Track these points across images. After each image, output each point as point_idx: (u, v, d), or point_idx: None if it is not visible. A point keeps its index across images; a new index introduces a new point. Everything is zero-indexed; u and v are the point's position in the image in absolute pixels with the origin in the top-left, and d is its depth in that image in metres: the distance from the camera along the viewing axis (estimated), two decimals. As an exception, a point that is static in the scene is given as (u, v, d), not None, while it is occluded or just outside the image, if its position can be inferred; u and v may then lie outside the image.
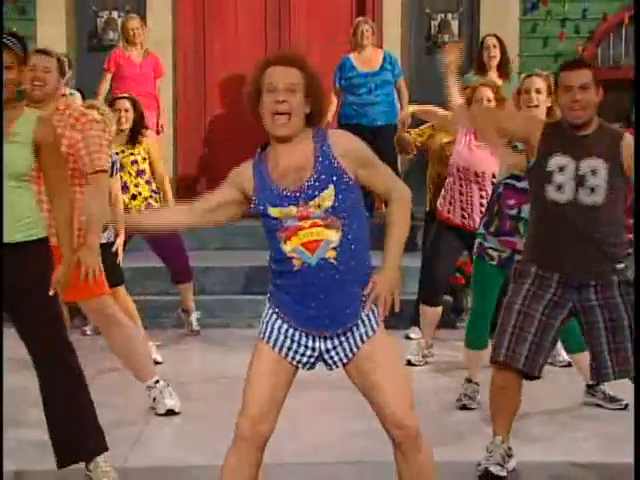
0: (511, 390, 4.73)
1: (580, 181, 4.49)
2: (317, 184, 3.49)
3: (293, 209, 3.50)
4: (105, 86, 9.34)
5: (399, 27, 10.53)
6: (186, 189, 10.66)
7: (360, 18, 9.88)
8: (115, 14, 10.50)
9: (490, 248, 5.73)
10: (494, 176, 6.20)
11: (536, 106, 5.62)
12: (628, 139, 4.58)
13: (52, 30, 9.83)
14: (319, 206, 3.49)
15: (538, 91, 5.64)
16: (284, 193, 3.51)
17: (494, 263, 5.74)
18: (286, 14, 10.71)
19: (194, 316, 7.97)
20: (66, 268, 4.60)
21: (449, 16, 10.54)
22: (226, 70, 10.54)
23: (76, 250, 5.12)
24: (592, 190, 4.50)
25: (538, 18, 10.56)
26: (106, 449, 4.67)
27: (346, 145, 3.58)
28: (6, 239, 4.44)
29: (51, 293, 4.52)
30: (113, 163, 6.60)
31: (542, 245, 4.62)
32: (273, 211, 3.53)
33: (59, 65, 5.43)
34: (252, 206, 3.59)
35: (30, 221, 4.55)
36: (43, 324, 4.56)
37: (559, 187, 4.51)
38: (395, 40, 10.36)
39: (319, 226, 3.50)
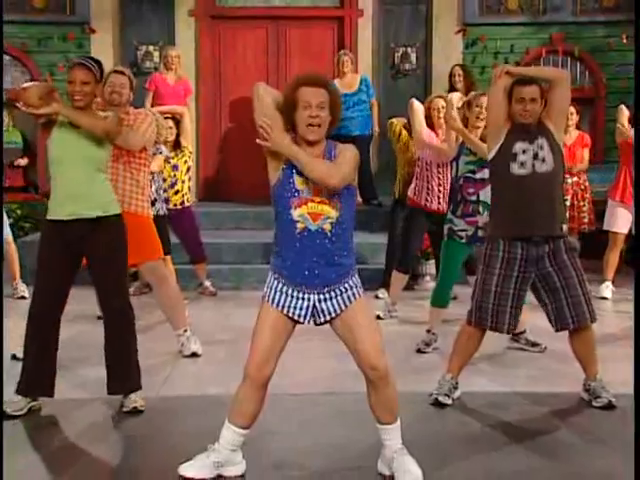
0: (475, 340, 4.76)
1: (535, 156, 4.52)
2: None
3: (311, 184, 3.50)
4: (149, 100, 9.27)
5: (370, 58, 10.47)
6: (206, 187, 10.65)
7: (341, 51, 9.81)
8: (151, 48, 10.42)
9: (459, 230, 5.71)
10: (439, 166, 6.42)
11: (483, 119, 5.65)
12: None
13: (103, 61, 9.60)
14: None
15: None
16: None
17: (463, 241, 5.72)
18: (283, 48, 10.68)
19: (207, 283, 7.96)
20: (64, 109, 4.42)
21: (409, 49, 10.47)
22: (237, 92, 10.49)
23: None
24: (543, 160, 4.53)
25: (477, 52, 10.56)
26: (141, 387, 4.64)
27: (340, 150, 3.60)
28: (87, 215, 4.43)
29: None
30: (161, 151, 7.04)
31: (509, 213, 4.58)
32: (298, 180, 3.51)
33: (130, 81, 5.49)
34: (284, 166, 3.53)
35: (107, 200, 4.52)
36: (114, 284, 4.54)
37: (522, 164, 4.53)
38: (367, 68, 10.28)
39: (325, 204, 3.50)
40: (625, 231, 7.72)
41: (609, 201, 7.84)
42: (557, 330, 4.71)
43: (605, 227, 7.84)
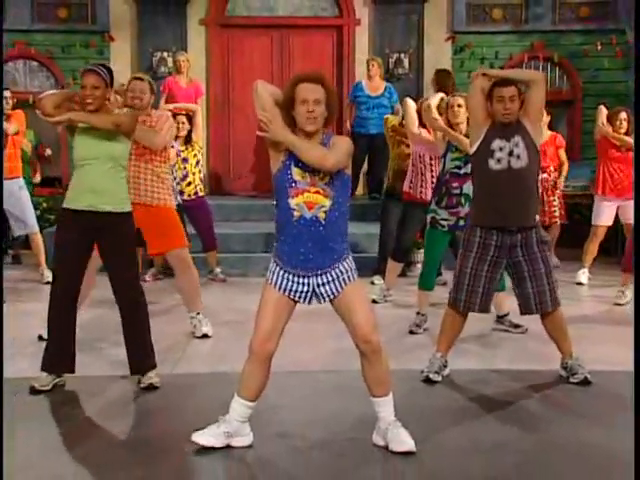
0: (459, 321, 4.75)
1: (511, 153, 4.51)
2: None
3: (307, 175, 3.49)
4: (163, 101, 9.22)
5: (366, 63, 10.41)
6: (215, 182, 10.65)
7: (370, 56, 9.91)
8: (165, 54, 10.41)
9: (441, 219, 5.73)
10: (431, 158, 6.37)
11: (461, 116, 5.67)
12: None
13: (121, 66, 9.70)
14: (322, 179, 3.49)
15: (460, 105, 5.69)
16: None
17: (445, 229, 5.74)
18: (286, 54, 10.70)
19: (218, 270, 7.96)
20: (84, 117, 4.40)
21: (402, 55, 10.46)
22: (244, 94, 10.42)
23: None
24: (518, 157, 4.51)
25: (464, 57, 10.58)
26: (156, 365, 4.65)
27: (335, 140, 3.56)
28: (102, 208, 4.42)
29: None
30: (172, 145, 6.93)
31: (486, 205, 4.58)
32: (295, 171, 3.50)
33: (150, 86, 5.47)
34: (283, 158, 3.52)
35: (122, 197, 4.51)
36: (125, 273, 4.52)
37: (498, 160, 4.52)
38: (364, 73, 10.23)
39: (320, 194, 3.49)
40: (608, 224, 7.75)
41: (595, 197, 7.85)
42: (522, 314, 4.78)
43: (593, 222, 7.81)
